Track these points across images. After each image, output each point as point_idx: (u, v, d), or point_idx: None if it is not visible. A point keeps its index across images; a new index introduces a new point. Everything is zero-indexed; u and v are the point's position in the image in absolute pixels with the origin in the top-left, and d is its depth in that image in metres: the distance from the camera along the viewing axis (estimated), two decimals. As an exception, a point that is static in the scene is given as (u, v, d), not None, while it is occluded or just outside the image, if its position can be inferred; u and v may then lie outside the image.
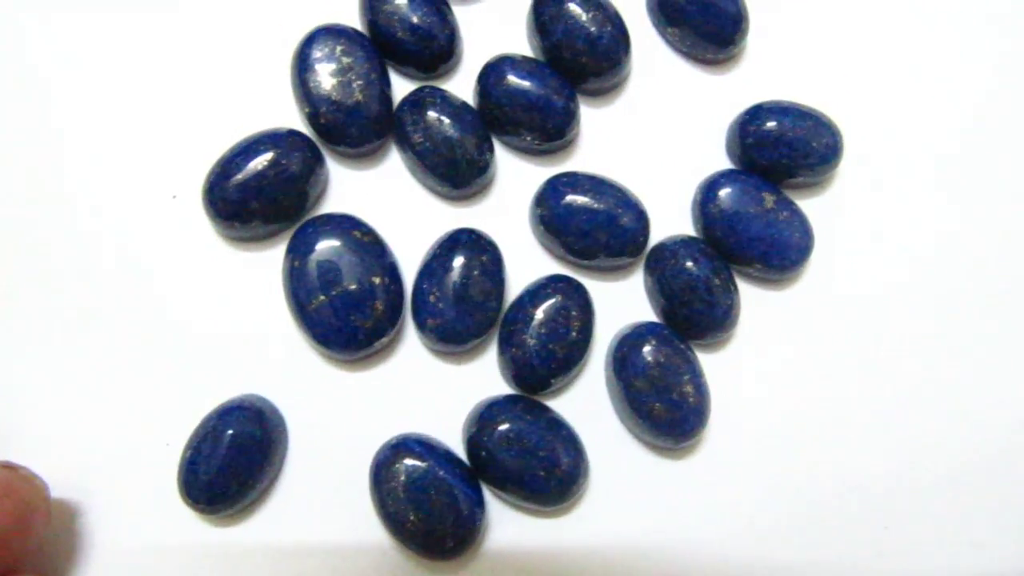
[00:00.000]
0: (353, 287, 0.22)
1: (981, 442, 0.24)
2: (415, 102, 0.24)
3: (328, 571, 0.22)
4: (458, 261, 0.23)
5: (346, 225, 0.23)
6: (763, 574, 0.23)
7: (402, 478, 0.22)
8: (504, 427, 0.22)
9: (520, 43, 0.26)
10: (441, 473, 0.22)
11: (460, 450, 0.23)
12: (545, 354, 0.23)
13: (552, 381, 0.23)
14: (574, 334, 0.23)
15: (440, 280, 0.23)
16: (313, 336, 0.23)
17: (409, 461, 0.22)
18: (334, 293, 0.22)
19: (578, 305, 0.23)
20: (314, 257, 0.23)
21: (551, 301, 0.23)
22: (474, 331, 0.23)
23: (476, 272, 0.23)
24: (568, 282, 0.23)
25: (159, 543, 0.22)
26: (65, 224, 0.24)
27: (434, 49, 0.24)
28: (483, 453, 0.22)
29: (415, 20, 0.24)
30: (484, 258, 0.23)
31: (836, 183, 0.25)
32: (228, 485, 0.22)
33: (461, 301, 0.23)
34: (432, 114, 0.24)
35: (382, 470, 0.22)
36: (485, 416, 0.22)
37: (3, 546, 0.19)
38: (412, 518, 0.21)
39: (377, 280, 0.23)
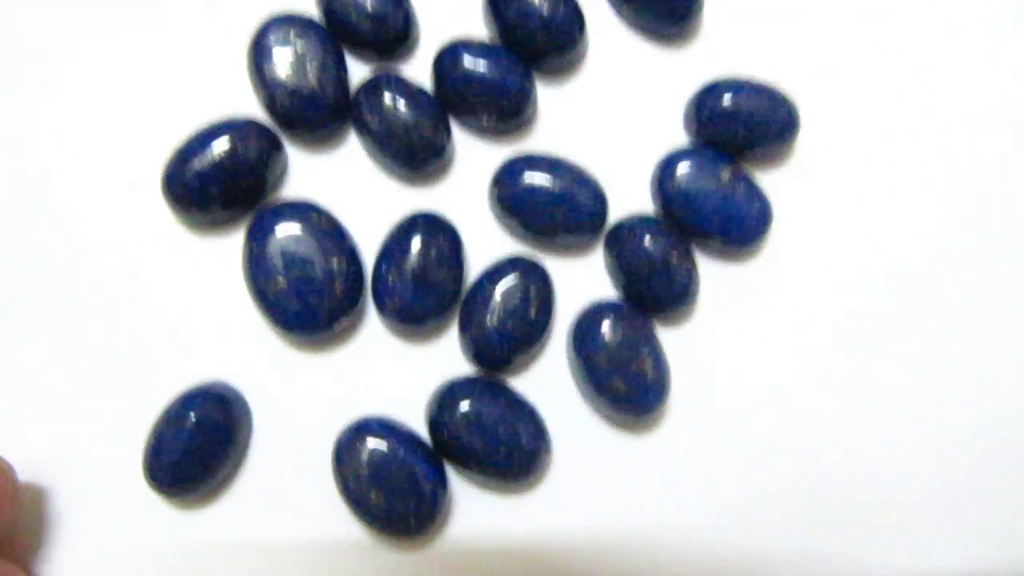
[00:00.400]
0: (313, 271, 0.23)
1: (954, 420, 0.24)
2: (371, 87, 0.24)
3: (293, 552, 0.22)
4: (416, 243, 0.23)
5: (305, 209, 0.23)
6: (725, 547, 0.23)
7: (364, 459, 0.22)
8: (465, 407, 0.22)
9: (477, 24, 0.26)
10: (402, 453, 0.22)
11: (423, 431, 0.23)
12: (505, 334, 0.23)
13: (513, 360, 0.23)
14: (534, 313, 0.23)
15: (399, 262, 0.23)
16: (274, 320, 0.23)
17: (371, 442, 0.22)
18: (294, 277, 0.22)
19: (537, 284, 0.23)
20: (274, 242, 0.23)
21: (510, 281, 0.23)
22: (433, 312, 0.23)
23: (434, 253, 0.23)
24: (526, 262, 0.24)
25: (126, 527, 0.22)
26: (22, 213, 0.24)
27: (389, 34, 0.25)
28: (445, 433, 0.22)
29: (369, 6, 0.24)
30: (442, 239, 0.23)
31: (794, 157, 0.25)
32: (192, 470, 0.22)
33: (420, 282, 0.23)
34: (388, 98, 0.24)
35: (344, 452, 0.22)
36: (446, 396, 0.23)
37: None
38: (374, 498, 0.21)
39: (336, 263, 0.23)
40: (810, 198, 0.25)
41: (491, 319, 0.23)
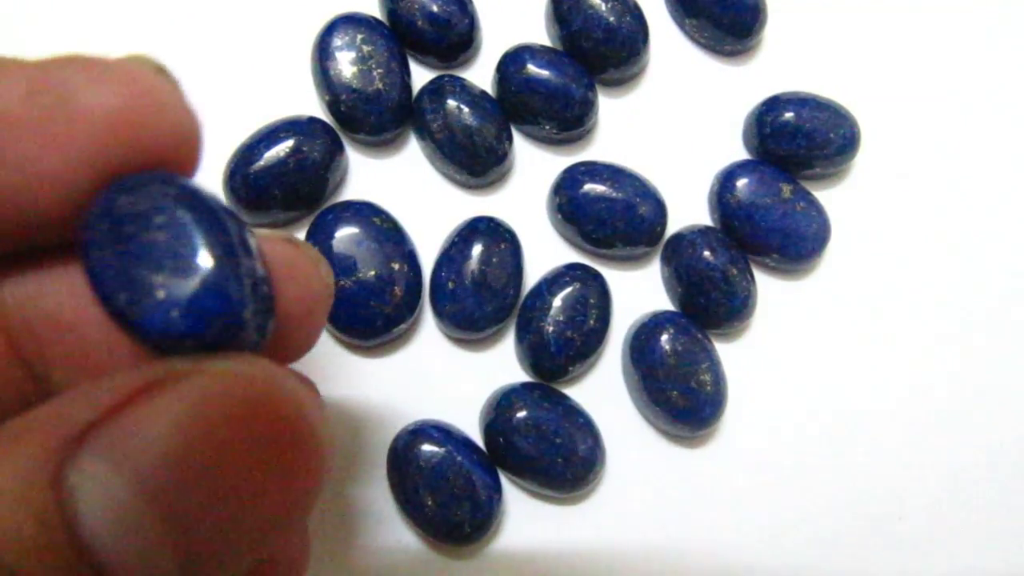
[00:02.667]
0: (372, 274, 0.22)
1: (1001, 434, 0.24)
2: (435, 91, 0.24)
3: (345, 556, 0.22)
4: (476, 249, 0.23)
5: (365, 212, 0.23)
6: (777, 561, 0.23)
7: (420, 464, 0.22)
8: (522, 414, 0.22)
9: (539, 32, 0.26)
10: (459, 459, 0.22)
11: (478, 437, 0.23)
12: (563, 342, 0.23)
13: (569, 369, 0.23)
14: (592, 322, 0.23)
15: (459, 267, 0.23)
16: (332, 322, 0.23)
17: (427, 447, 0.22)
18: (353, 279, 0.22)
19: (596, 293, 0.23)
20: (334, 244, 0.23)
21: (569, 289, 0.23)
22: (492, 318, 0.23)
23: (494, 260, 0.23)
24: (586, 270, 0.24)
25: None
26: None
27: (453, 38, 0.25)
28: (500, 440, 0.22)
29: (435, 9, 0.24)
30: (502, 246, 0.23)
31: (853, 174, 0.26)
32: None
33: (479, 288, 0.23)
34: (451, 103, 0.24)
35: (400, 456, 0.22)
36: (503, 403, 0.23)
37: (290, 338, 0.15)
38: (430, 503, 0.21)
39: (396, 267, 0.23)
40: (867, 215, 0.25)
41: (549, 327, 0.23)
